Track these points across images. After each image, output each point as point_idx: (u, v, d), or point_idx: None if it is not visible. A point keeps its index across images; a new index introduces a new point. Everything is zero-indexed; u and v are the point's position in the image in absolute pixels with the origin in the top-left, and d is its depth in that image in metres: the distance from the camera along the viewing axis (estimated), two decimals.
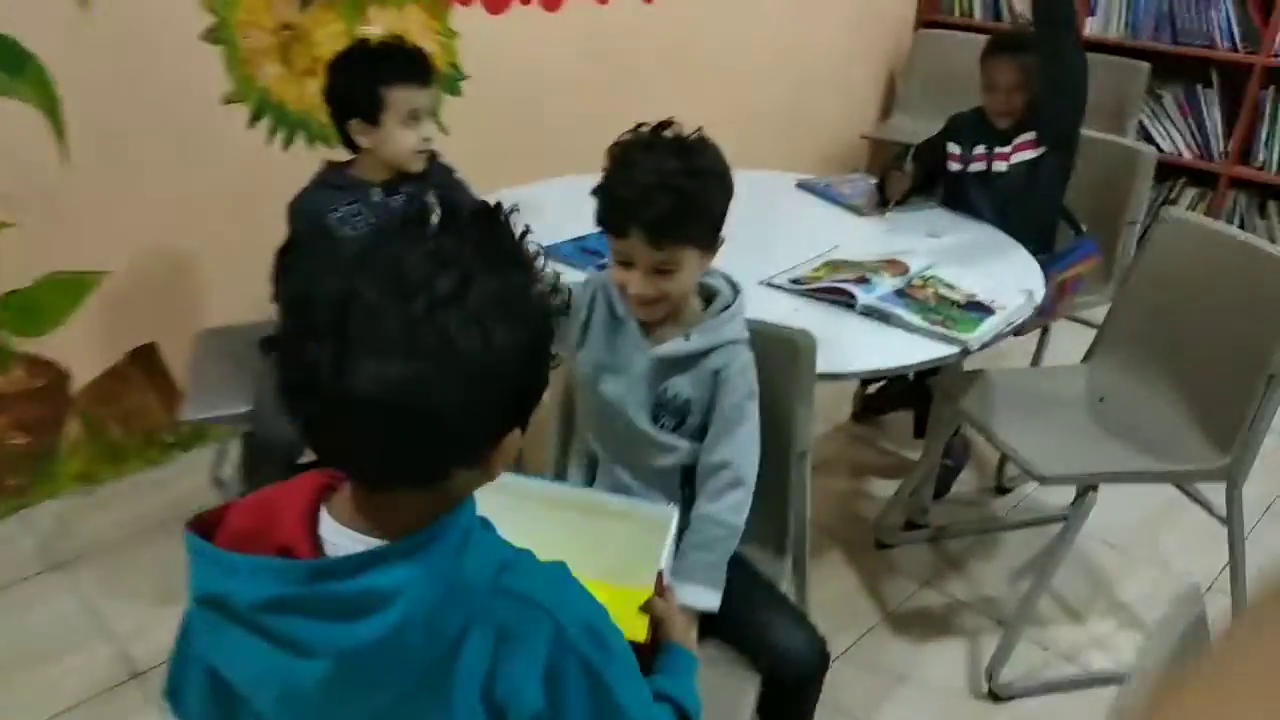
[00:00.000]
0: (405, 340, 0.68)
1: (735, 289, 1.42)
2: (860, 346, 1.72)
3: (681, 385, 1.38)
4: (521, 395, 0.77)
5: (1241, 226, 3.80)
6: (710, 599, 1.31)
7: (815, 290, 1.89)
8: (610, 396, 1.41)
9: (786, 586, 1.55)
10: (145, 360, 2.48)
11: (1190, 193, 3.89)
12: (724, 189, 1.31)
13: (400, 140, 1.84)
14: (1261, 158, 3.71)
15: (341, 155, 1.93)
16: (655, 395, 1.39)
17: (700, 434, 1.40)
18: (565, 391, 1.61)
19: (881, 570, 2.27)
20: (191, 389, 2.03)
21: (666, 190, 1.23)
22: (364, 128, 1.83)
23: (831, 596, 2.14)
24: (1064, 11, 2.18)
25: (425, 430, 0.70)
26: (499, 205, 0.77)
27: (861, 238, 2.27)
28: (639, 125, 1.30)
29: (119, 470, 2.49)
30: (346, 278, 0.70)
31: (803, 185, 2.59)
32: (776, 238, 2.25)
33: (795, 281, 1.94)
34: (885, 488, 2.56)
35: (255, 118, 2.43)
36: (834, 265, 2.03)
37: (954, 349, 1.71)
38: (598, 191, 1.29)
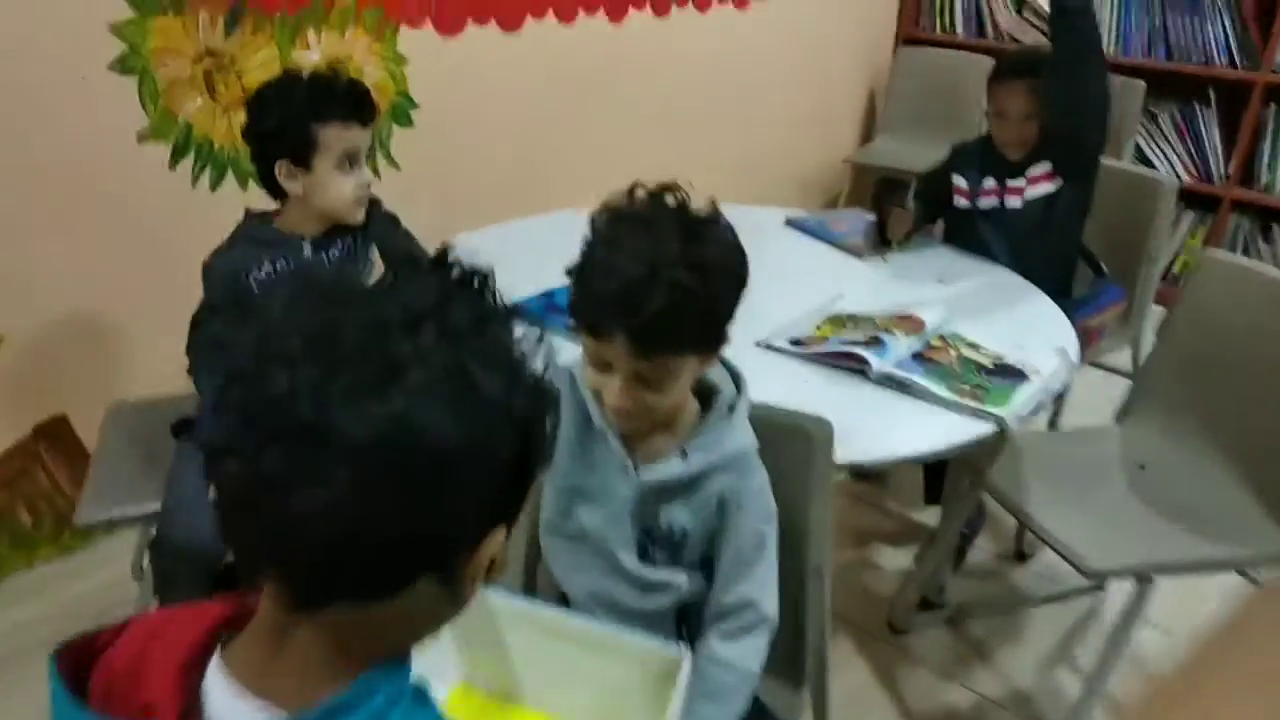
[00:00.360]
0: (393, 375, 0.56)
1: (736, 379, 1.15)
2: (880, 426, 1.46)
3: (678, 515, 1.11)
4: (521, 469, 0.61)
5: (1245, 252, 3.62)
6: None
7: (821, 355, 1.63)
8: (588, 528, 1.14)
9: None
10: (54, 435, 2.18)
11: (1189, 216, 3.70)
12: (736, 281, 1.04)
13: (336, 187, 1.56)
14: (1264, 179, 3.53)
15: (266, 203, 1.65)
16: (644, 528, 1.12)
17: (702, 564, 1.13)
18: (534, 508, 1.33)
19: (896, 660, 2.01)
20: (93, 480, 1.72)
21: (662, 287, 0.95)
22: (293, 171, 1.55)
23: (840, 694, 1.85)
24: (1093, 37, 1.95)
25: (411, 488, 0.55)
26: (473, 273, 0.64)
27: (865, 285, 2.02)
28: (633, 187, 1.03)
29: (29, 560, 2.18)
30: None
31: (793, 223, 2.34)
32: (769, 287, 1.97)
33: (796, 342, 1.68)
34: (894, 557, 2.30)
35: (176, 157, 2.15)
36: (839, 321, 1.77)
37: (989, 426, 1.46)
38: (572, 275, 1.02)
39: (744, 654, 1.10)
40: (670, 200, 1.02)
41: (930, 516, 2.36)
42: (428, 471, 0.55)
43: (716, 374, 1.14)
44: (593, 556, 1.15)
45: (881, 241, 2.14)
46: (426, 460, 0.55)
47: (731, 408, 1.11)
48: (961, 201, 2.20)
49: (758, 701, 1.22)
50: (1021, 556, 2.31)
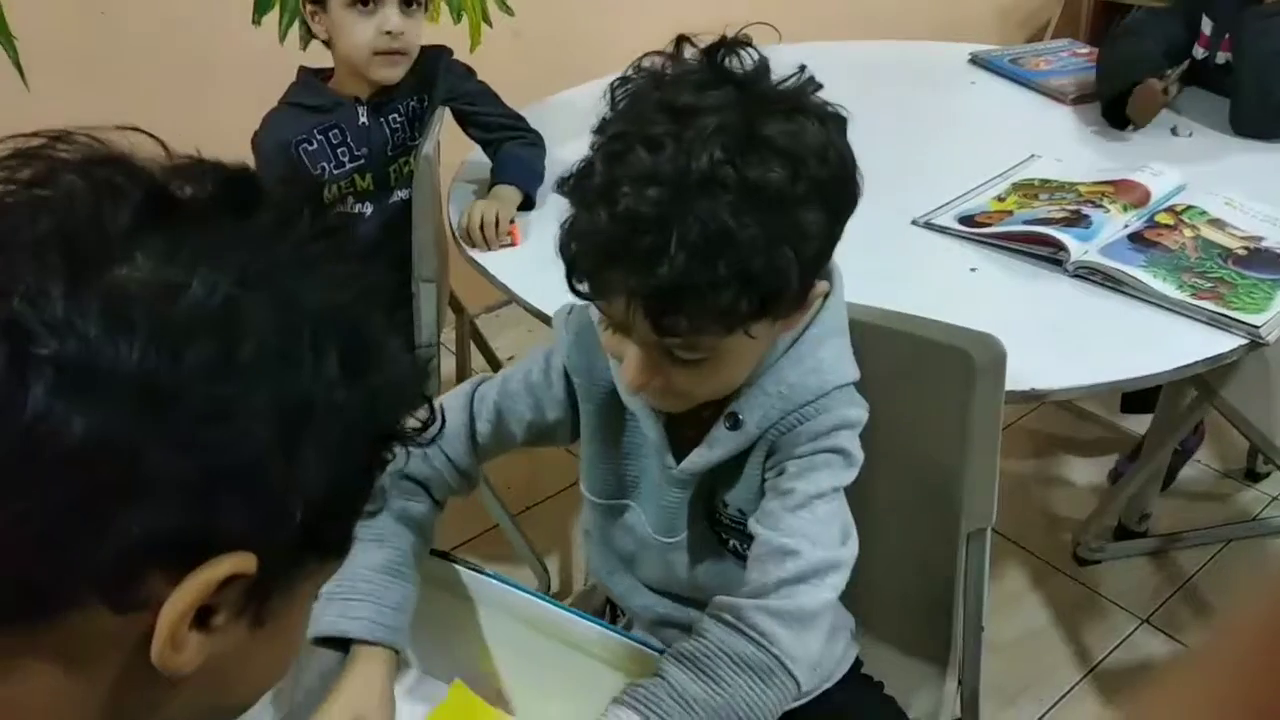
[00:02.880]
0: None
1: (827, 280, 0.79)
2: (1074, 338, 1.10)
3: (739, 494, 0.81)
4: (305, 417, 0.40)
5: None
6: None
7: (1000, 237, 1.25)
8: (638, 531, 0.87)
9: None
10: None
11: None
12: (825, 214, 0.67)
13: (349, 31, 1.30)
14: None
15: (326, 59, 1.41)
16: (707, 518, 0.84)
17: None
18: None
19: (1083, 601, 1.67)
20: None
21: (688, 233, 0.62)
22: (314, 10, 1.32)
23: (1010, 641, 1.57)
24: None
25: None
26: None
27: (1069, 140, 1.58)
28: (679, 41, 0.68)
29: None
30: None
31: (979, 61, 1.89)
32: (936, 146, 1.59)
33: (967, 220, 1.31)
34: (1085, 471, 1.92)
35: (260, 10, 1.93)
36: (1029, 189, 1.37)
37: (1235, 340, 1.07)
38: (564, 192, 0.69)
39: (779, 618, 0.73)
40: (735, 67, 0.66)
41: (1136, 421, 1.95)
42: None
43: None
44: (655, 570, 0.88)
45: (1114, 122, 1.65)
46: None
47: (811, 323, 0.77)
48: (1200, 51, 1.68)
49: (876, 691, 0.95)
50: (1254, 476, 1.89)
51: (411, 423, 0.46)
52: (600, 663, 0.81)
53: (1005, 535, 1.74)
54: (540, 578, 1.64)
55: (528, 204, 1.36)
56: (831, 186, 0.67)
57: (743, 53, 0.68)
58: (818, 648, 0.75)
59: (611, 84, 0.69)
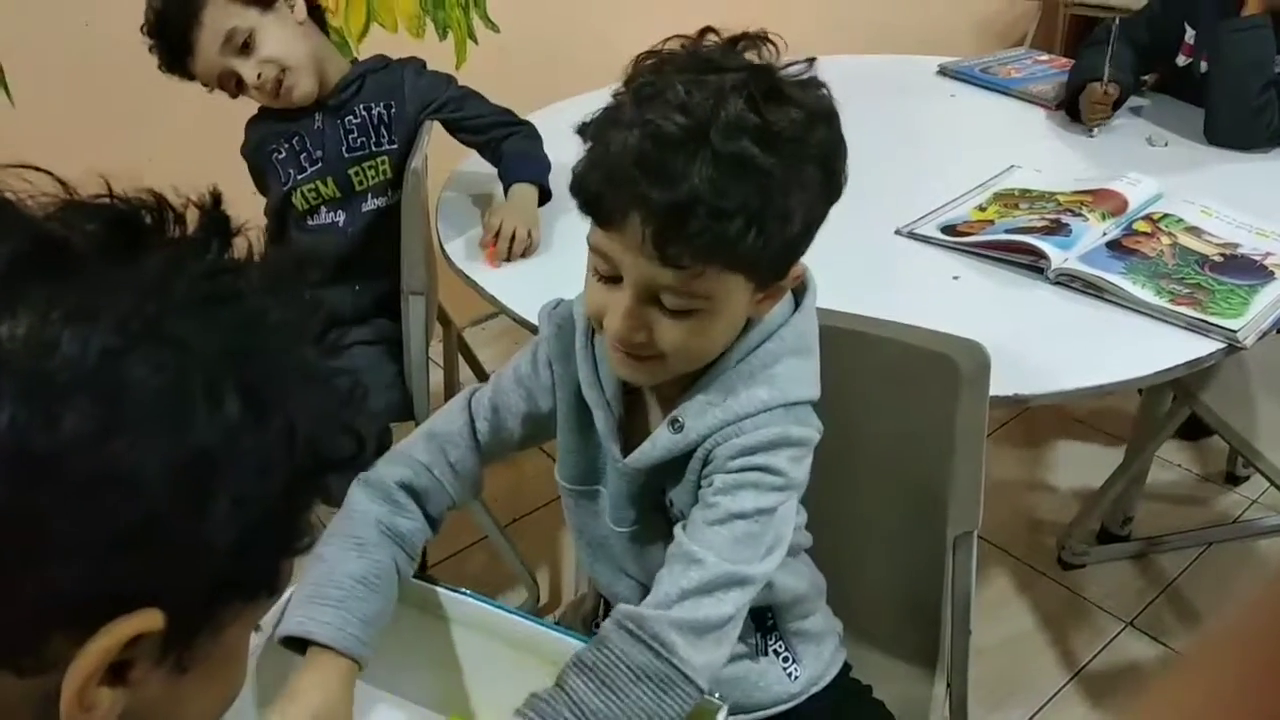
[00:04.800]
0: None
1: (798, 288, 0.81)
2: (1056, 345, 1.12)
3: (681, 497, 0.82)
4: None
5: None
6: None
7: (982, 246, 1.27)
8: (604, 518, 0.88)
9: None
10: None
11: None
12: (823, 175, 0.70)
13: (244, 76, 1.32)
14: None
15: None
16: (659, 510, 0.85)
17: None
18: None
19: (1068, 605, 1.68)
20: None
21: (710, 153, 0.65)
22: None
23: (995, 645, 1.58)
24: None
25: None
26: None
27: (1047, 150, 1.61)
28: (704, 31, 0.72)
29: None
30: None
31: (949, 72, 1.92)
32: (917, 157, 1.61)
33: (949, 229, 1.33)
34: (1068, 477, 1.94)
35: None
36: (1010, 199, 1.40)
37: (1213, 344, 1.09)
38: (584, 134, 0.72)
39: (679, 626, 0.73)
40: (751, 54, 0.70)
41: (1115, 425, 1.97)
42: None
43: None
44: (622, 559, 0.89)
45: (1075, 118, 1.68)
46: None
47: (767, 338, 0.78)
48: (1184, 60, 1.71)
49: (868, 691, 0.96)
50: (1233, 480, 1.91)
51: (341, 453, 0.44)
52: None
53: (990, 540, 1.75)
54: (530, 589, 1.64)
55: (545, 196, 1.37)
56: (832, 156, 0.71)
57: (762, 47, 0.71)
58: (721, 656, 0.75)
59: (637, 56, 0.72)
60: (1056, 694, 1.54)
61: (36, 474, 0.35)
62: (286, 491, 0.41)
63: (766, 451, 0.76)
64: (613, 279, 0.73)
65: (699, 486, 0.79)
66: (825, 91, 0.72)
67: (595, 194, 0.70)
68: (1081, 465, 1.95)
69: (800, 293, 0.81)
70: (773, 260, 0.71)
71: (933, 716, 1.02)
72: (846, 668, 0.97)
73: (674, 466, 0.80)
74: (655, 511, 0.85)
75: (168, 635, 0.39)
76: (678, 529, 0.78)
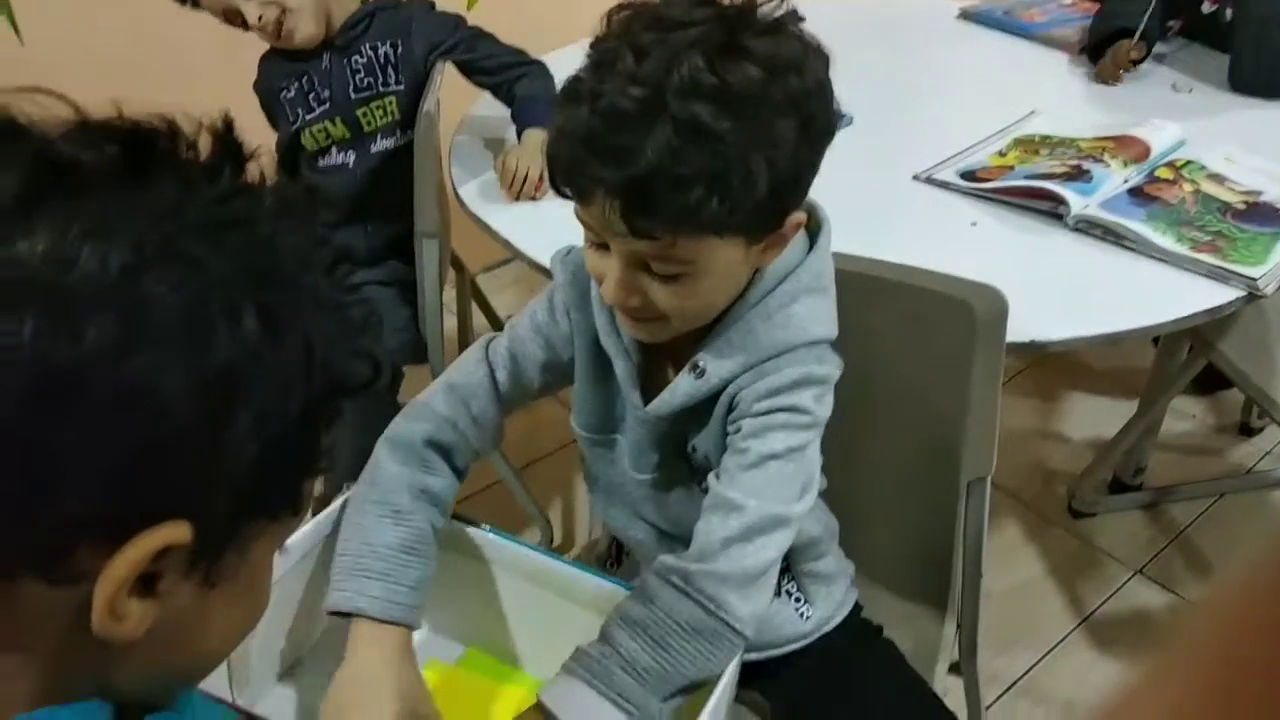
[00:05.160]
0: None
1: (812, 227, 0.80)
2: (1075, 291, 1.11)
3: (704, 441, 0.82)
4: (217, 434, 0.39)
5: None
6: None
7: (1001, 192, 1.26)
8: (620, 465, 0.88)
9: (943, 671, 1.03)
10: None
11: None
12: (798, 123, 0.68)
13: (246, 16, 1.31)
14: None
15: None
16: (680, 457, 0.85)
17: None
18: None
19: (1078, 552, 1.70)
20: None
21: (663, 125, 0.64)
22: None
23: (1004, 591, 1.59)
24: None
25: None
26: None
27: (1068, 95, 1.58)
28: None
29: None
30: None
31: (970, 15, 1.88)
32: (936, 103, 1.59)
33: (968, 175, 1.31)
34: (1081, 426, 1.94)
35: None
36: (1030, 144, 1.38)
37: (1233, 292, 1.08)
38: (554, 105, 0.72)
39: (726, 580, 0.74)
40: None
41: (1132, 376, 1.97)
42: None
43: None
44: (640, 505, 0.90)
45: (1100, 75, 1.64)
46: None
47: (785, 278, 0.77)
48: (1210, 6, 1.67)
49: (878, 631, 0.97)
50: (1248, 431, 1.91)
51: (357, 377, 0.44)
52: (595, 613, 0.82)
53: (1001, 488, 1.76)
54: (544, 531, 1.66)
55: None
56: (807, 103, 0.69)
57: None
58: (765, 601, 0.76)
59: (609, 10, 0.71)
60: (1064, 639, 1.56)
61: (60, 389, 0.35)
62: (305, 412, 0.41)
63: (791, 391, 0.76)
64: (602, 245, 0.73)
65: (725, 432, 0.79)
66: (800, 32, 0.70)
67: (561, 173, 0.70)
68: (1095, 415, 1.94)
69: (815, 232, 0.80)
70: (750, 217, 0.69)
71: (942, 657, 1.03)
72: (857, 608, 0.98)
73: (696, 413, 0.80)
74: (676, 458, 0.85)
75: (195, 549, 0.40)
76: (711, 478, 0.78)
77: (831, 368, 0.79)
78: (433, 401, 0.87)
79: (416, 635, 0.82)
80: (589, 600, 0.82)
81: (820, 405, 0.78)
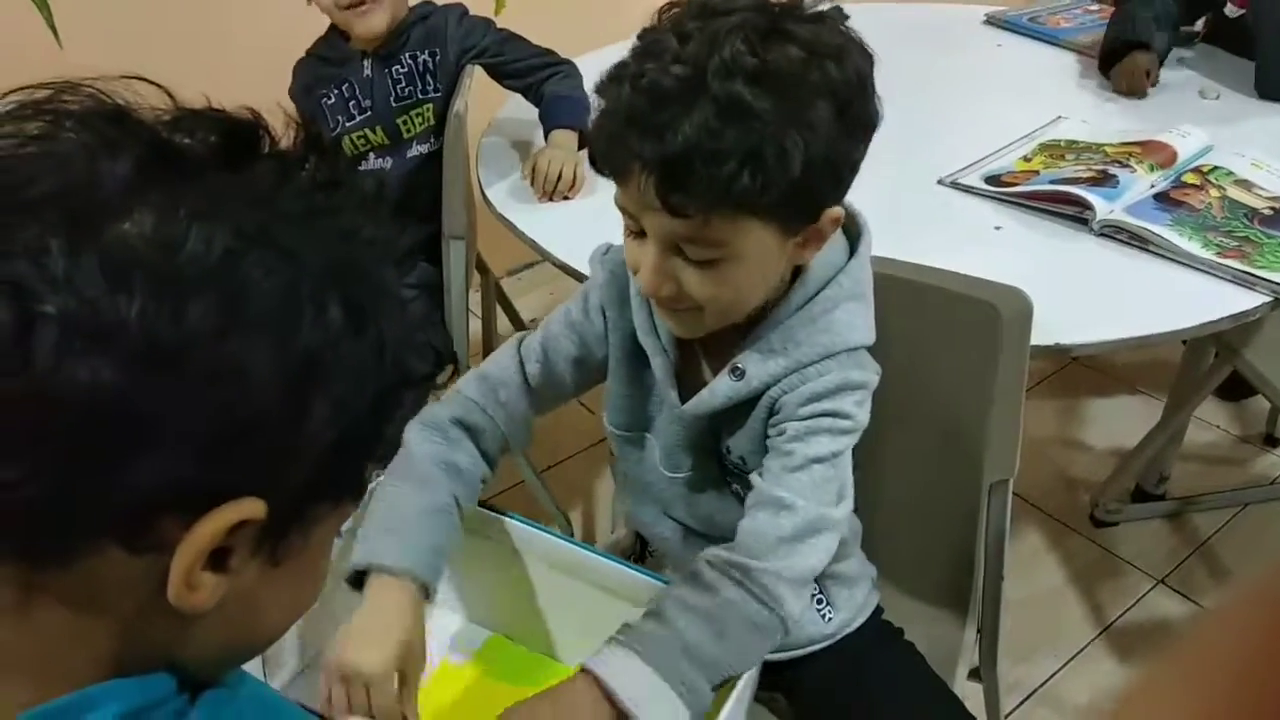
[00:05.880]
0: None
1: (853, 233, 0.82)
2: (1099, 296, 1.11)
3: (740, 443, 0.83)
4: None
5: None
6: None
7: (1026, 196, 1.26)
8: (650, 463, 0.89)
9: (963, 676, 1.02)
10: None
11: None
12: (837, 109, 0.68)
13: None
14: None
15: None
16: (713, 458, 0.86)
17: None
18: None
19: (1099, 561, 1.69)
20: None
21: (704, 102, 0.65)
22: None
23: (1026, 599, 1.59)
24: None
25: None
26: None
27: (1097, 103, 1.58)
28: None
29: None
30: None
31: (995, 21, 1.88)
32: (962, 107, 1.59)
33: (993, 180, 1.31)
34: (1104, 434, 1.93)
35: None
36: (1055, 149, 1.38)
37: (1259, 298, 1.07)
38: (598, 91, 0.73)
39: (782, 573, 0.75)
40: None
41: (1162, 386, 1.96)
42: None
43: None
44: (670, 503, 0.91)
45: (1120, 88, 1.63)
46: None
47: (825, 285, 0.79)
48: (1235, 11, 1.66)
49: (899, 634, 0.97)
50: (1273, 441, 1.89)
51: (421, 369, 0.46)
52: (632, 605, 0.83)
53: (1023, 496, 1.76)
54: (565, 532, 1.67)
55: (585, 139, 1.37)
56: (845, 91, 0.69)
57: None
58: (806, 602, 0.80)
59: (660, 7, 0.73)
60: (1084, 648, 1.55)
61: (161, 365, 0.37)
62: (375, 402, 0.42)
63: (833, 396, 0.78)
64: (639, 233, 0.74)
65: (764, 435, 0.80)
66: (843, 27, 0.71)
67: (601, 152, 0.72)
68: (1118, 423, 1.93)
69: (855, 239, 0.81)
70: (783, 201, 0.69)
71: (962, 661, 1.03)
72: (879, 611, 0.98)
73: (732, 414, 0.81)
74: (709, 458, 0.86)
75: (266, 526, 0.41)
76: (754, 477, 0.80)
77: (871, 374, 0.81)
78: (463, 387, 0.89)
79: (446, 623, 0.82)
80: (616, 589, 0.83)
81: (861, 410, 0.79)
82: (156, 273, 0.37)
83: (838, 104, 0.69)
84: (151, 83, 0.42)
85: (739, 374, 0.79)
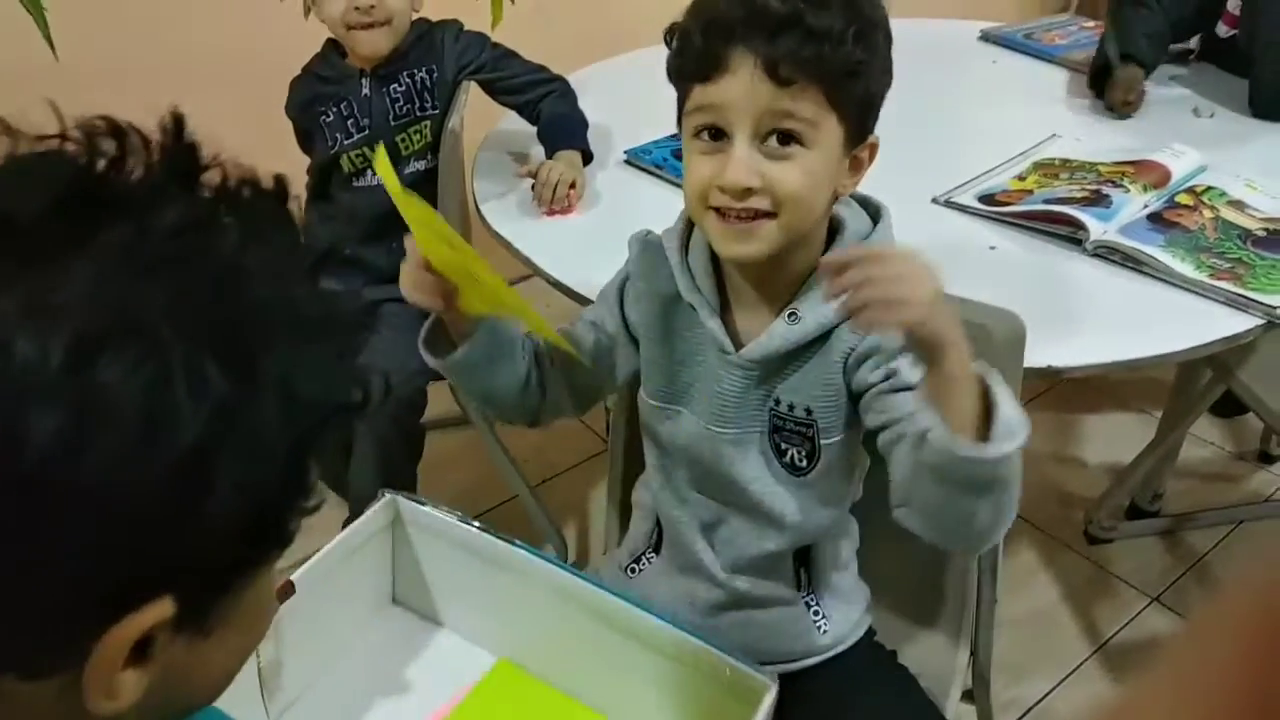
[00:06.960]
0: None
1: (874, 211, 0.87)
2: (1092, 317, 1.11)
3: (796, 392, 0.85)
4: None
5: None
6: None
7: (1020, 216, 1.26)
8: (688, 429, 0.89)
9: (956, 698, 1.02)
10: None
11: None
12: (887, 55, 0.79)
13: (325, 5, 1.32)
14: None
15: None
16: (770, 421, 0.87)
17: (844, 474, 0.90)
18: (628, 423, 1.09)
19: (1094, 579, 1.68)
20: None
21: None
22: None
23: (1020, 617, 1.58)
24: None
25: None
26: None
27: (1092, 121, 1.58)
28: None
29: None
30: None
31: (990, 37, 1.89)
32: (956, 125, 1.60)
33: (987, 199, 1.31)
34: (1098, 452, 1.93)
35: None
36: (1050, 169, 1.38)
37: (1252, 320, 1.07)
38: (672, 32, 0.79)
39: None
40: None
41: (1155, 404, 1.96)
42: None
43: (844, 208, 0.86)
44: (699, 477, 0.91)
45: (1098, 94, 1.64)
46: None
47: (860, 241, 0.85)
48: (1225, 30, 1.67)
49: (892, 656, 0.97)
50: (1267, 458, 1.89)
51: (346, 398, 0.40)
52: (630, 639, 0.83)
53: (1017, 514, 1.75)
54: (558, 548, 1.66)
55: (587, 159, 1.37)
56: (886, 36, 0.79)
57: None
58: None
59: None
60: (1079, 667, 1.55)
61: (10, 494, 0.32)
62: (289, 456, 0.38)
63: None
64: (717, 137, 0.77)
65: (825, 382, 0.83)
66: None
67: (700, 47, 0.75)
68: (1112, 440, 1.93)
69: (876, 217, 0.87)
70: (862, 99, 0.77)
71: (955, 684, 1.03)
72: (871, 632, 0.98)
73: (785, 360, 0.84)
74: (757, 410, 0.86)
75: (183, 613, 0.37)
76: (900, 422, 0.79)
77: None
78: None
79: (448, 642, 0.82)
80: (611, 619, 0.83)
81: None
82: None
83: (887, 46, 0.78)
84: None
85: (795, 318, 0.82)
